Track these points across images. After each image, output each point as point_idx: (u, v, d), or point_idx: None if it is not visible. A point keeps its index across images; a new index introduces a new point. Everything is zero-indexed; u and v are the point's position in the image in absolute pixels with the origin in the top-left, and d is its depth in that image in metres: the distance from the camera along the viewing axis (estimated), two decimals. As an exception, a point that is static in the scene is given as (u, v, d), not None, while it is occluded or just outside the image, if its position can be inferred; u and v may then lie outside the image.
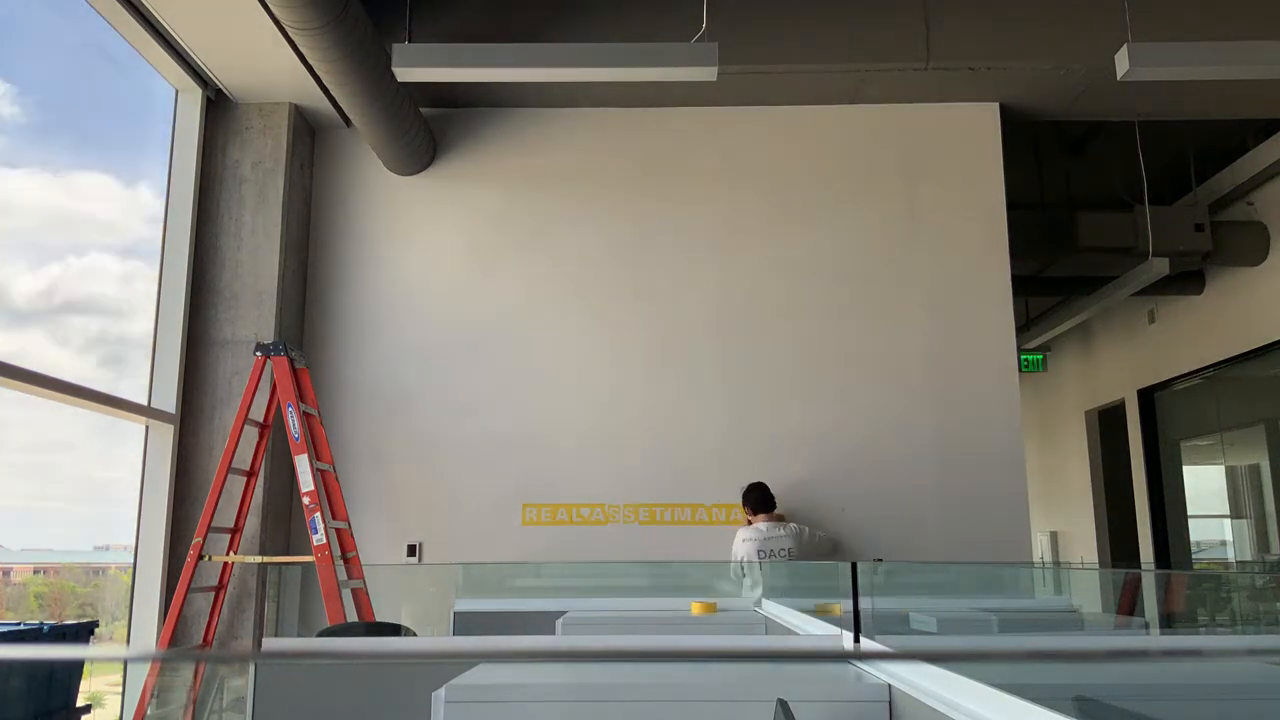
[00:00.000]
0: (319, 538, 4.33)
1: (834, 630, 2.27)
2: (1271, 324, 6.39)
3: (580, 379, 5.15)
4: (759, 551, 4.67)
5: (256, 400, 4.63)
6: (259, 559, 4.60)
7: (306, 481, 4.41)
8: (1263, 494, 7.18)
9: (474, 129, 5.41)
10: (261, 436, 4.71)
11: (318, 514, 4.36)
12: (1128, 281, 6.07)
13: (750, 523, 4.79)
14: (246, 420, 4.56)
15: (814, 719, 1.65)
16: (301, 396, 4.63)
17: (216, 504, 4.46)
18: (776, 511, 4.79)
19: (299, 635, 4.58)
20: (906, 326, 5.16)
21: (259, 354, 4.63)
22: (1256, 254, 6.45)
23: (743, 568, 4.69)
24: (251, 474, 4.68)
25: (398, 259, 5.30)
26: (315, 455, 4.57)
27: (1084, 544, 8.98)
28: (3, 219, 4.03)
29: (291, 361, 4.62)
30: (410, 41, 4.06)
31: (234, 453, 4.53)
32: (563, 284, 5.26)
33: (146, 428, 4.73)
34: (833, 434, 5.09)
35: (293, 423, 4.49)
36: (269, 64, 4.67)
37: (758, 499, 4.80)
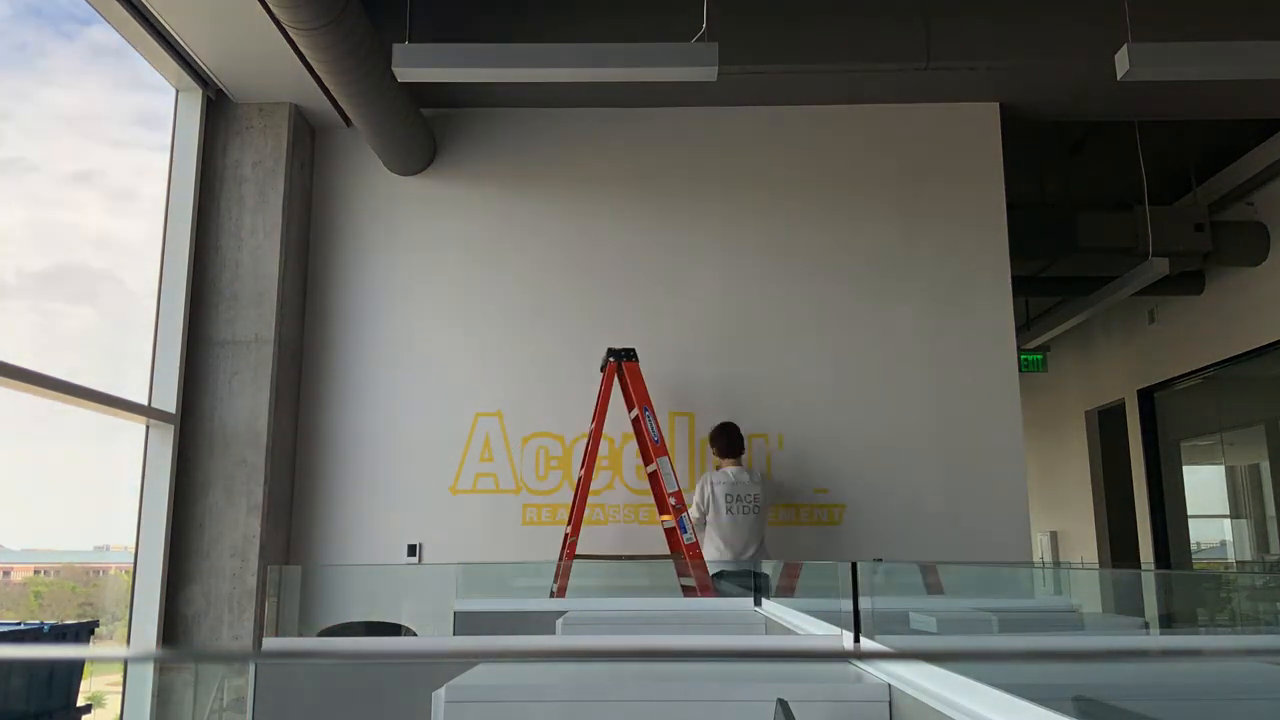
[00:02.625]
0: (688, 537, 4.39)
1: (834, 630, 2.27)
2: (1271, 324, 6.39)
3: (580, 378, 5.14)
4: (727, 497, 4.64)
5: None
6: (621, 557, 4.65)
7: (671, 482, 4.46)
8: (1263, 494, 7.18)
9: (474, 129, 5.41)
10: (589, 440, 4.72)
11: (685, 514, 4.42)
12: (1128, 281, 6.07)
13: (719, 466, 4.73)
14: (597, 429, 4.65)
15: (814, 719, 1.65)
16: (640, 399, 4.65)
17: (583, 511, 4.57)
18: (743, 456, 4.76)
19: (299, 635, 4.59)
20: (906, 326, 5.16)
21: (611, 359, 4.69)
22: (1256, 254, 6.45)
23: (703, 512, 4.66)
24: (587, 476, 4.69)
25: (398, 259, 5.30)
26: (648, 457, 4.63)
27: (1084, 544, 8.98)
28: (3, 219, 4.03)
29: (638, 367, 4.68)
30: (410, 41, 4.06)
31: (595, 459, 4.62)
32: (563, 284, 5.26)
33: (147, 428, 4.73)
34: (833, 434, 5.08)
35: (650, 426, 4.54)
36: (269, 64, 4.67)
37: (728, 441, 4.73)
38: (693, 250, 5.27)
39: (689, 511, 4.55)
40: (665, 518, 4.55)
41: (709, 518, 4.68)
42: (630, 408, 4.75)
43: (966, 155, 5.28)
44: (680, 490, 4.50)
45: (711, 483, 4.69)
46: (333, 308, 5.27)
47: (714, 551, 4.65)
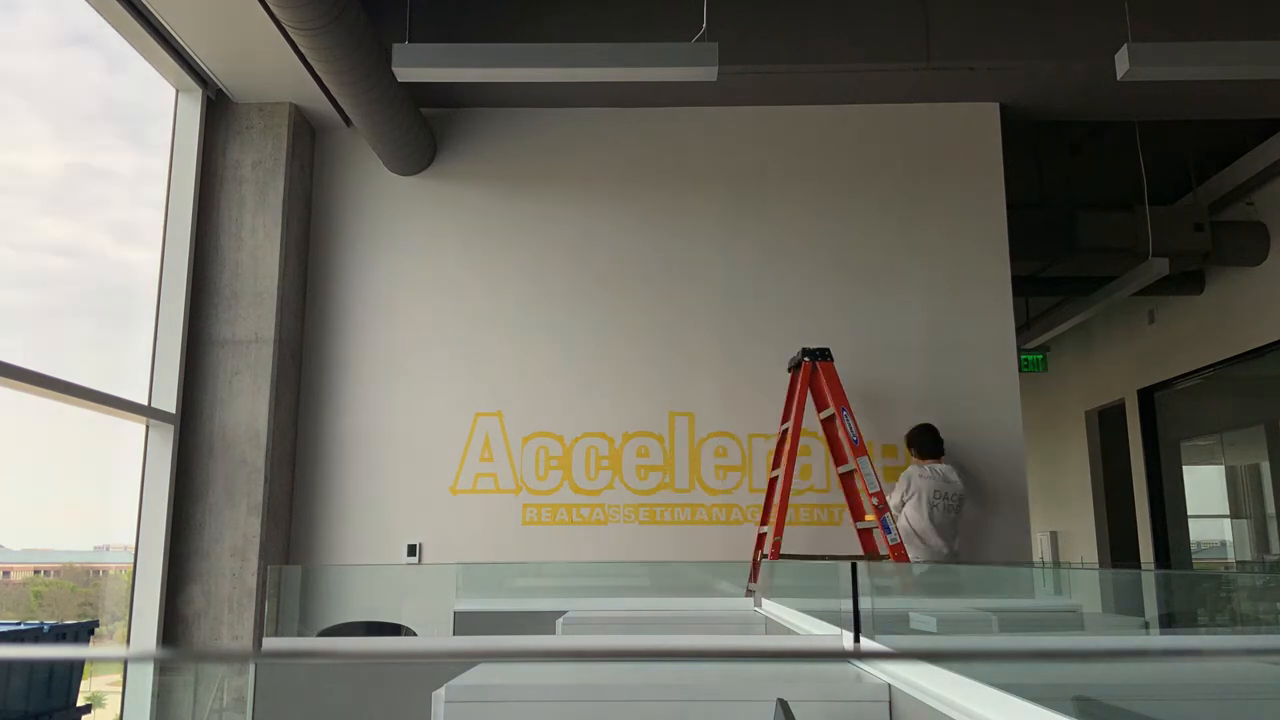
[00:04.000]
0: (893, 537, 4.33)
1: (834, 630, 2.27)
2: (1271, 324, 6.39)
3: (580, 378, 5.14)
4: (935, 493, 4.61)
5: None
6: (815, 557, 4.58)
7: (873, 483, 4.39)
8: (1263, 494, 7.19)
9: (474, 129, 5.41)
10: (785, 439, 4.66)
11: (888, 513, 4.37)
12: (1128, 281, 6.07)
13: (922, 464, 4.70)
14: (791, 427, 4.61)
15: (814, 719, 1.65)
16: (836, 399, 4.61)
17: (785, 513, 4.51)
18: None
19: (299, 635, 4.59)
20: (906, 326, 5.16)
21: (806, 359, 4.65)
22: (1256, 254, 6.45)
23: (905, 513, 4.58)
24: (787, 475, 4.64)
25: (398, 259, 5.30)
26: (838, 458, 4.62)
27: (1084, 544, 8.98)
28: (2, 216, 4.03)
29: (833, 367, 4.65)
30: (410, 41, 4.06)
31: (794, 459, 4.57)
32: (563, 283, 5.26)
33: (146, 428, 4.73)
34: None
35: (849, 426, 4.49)
36: (269, 64, 4.67)
37: (930, 442, 4.72)
38: (692, 250, 5.27)
39: (890, 505, 4.48)
40: (868, 518, 4.47)
41: (911, 516, 4.65)
42: (823, 407, 4.69)
43: (966, 155, 5.28)
44: (880, 490, 4.40)
45: (919, 475, 4.68)
46: (333, 308, 5.27)
47: (915, 548, 4.61)
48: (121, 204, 4.91)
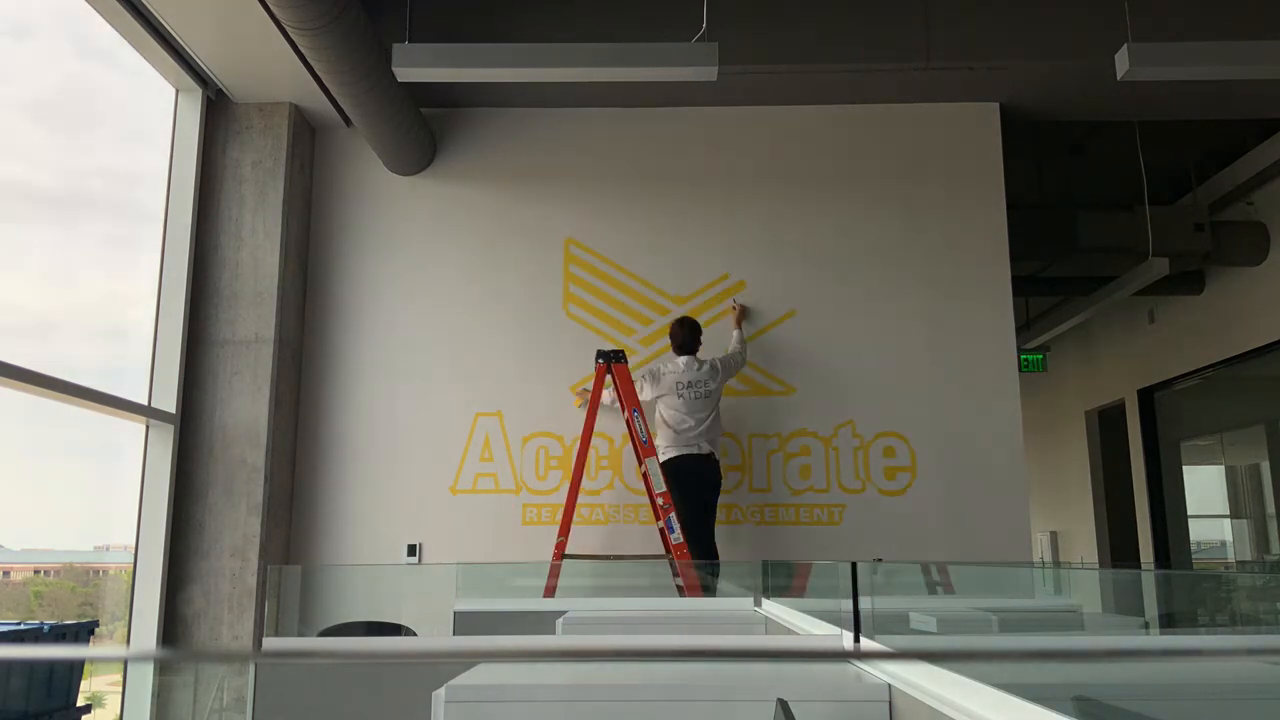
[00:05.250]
0: (675, 536, 4.46)
1: (834, 630, 2.27)
2: (1271, 324, 6.39)
3: (580, 378, 5.14)
4: (678, 384, 4.71)
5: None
6: (610, 557, 4.70)
7: (659, 484, 4.54)
8: (1263, 494, 7.19)
9: (474, 129, 5.41)
10: (588, 442, 4.75)
11: (673, 514, 4.49)
12: (1128, 281, 6.07)
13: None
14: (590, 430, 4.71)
15: (814, 719, 1.65)
16: (629, 401, 4.71)
17: (573, 512, 4.62)
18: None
19: (299, 635, 4.58)
20: (906, 326, 5.16)
21: (601, 361, 4.73)
22: (1256, 254, 6.45)
23: (658, 406, 4.72)
24: (575, 476, 4.74)
25: (398, 259, 5.30)
26: (638, 458, 4.68)
27: (1084, 544, 8.98)
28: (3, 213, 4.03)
29: (627, 369, 4.73)
30: (410, 41, 4.06)
31: (583, 462, 4.67)
32: (563, 283, 5.25)
33: (146, 427, 4.73)
34: (832, 434, 5.08)
35: (639, 427, 4.60)
36: (269, 64, 4.67)
37: (685, 336, 4.81)
38: (692, 249, 5.27)
39: (640, 399, 4.67)
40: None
41: (661, 406, 4.74)
42: (622, 409, 4.76)
43: (966, 155, 5.28)
44: (666, 491, 4.52)
45: (665, 371, 4.76)
46: (333, 308, 5.27)
47: (665, 434, 4.70)
48: (121, 204, 4.91)
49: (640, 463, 4.67)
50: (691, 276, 5.25)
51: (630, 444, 4.80)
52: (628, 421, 4.69)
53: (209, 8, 4.23)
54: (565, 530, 4.62)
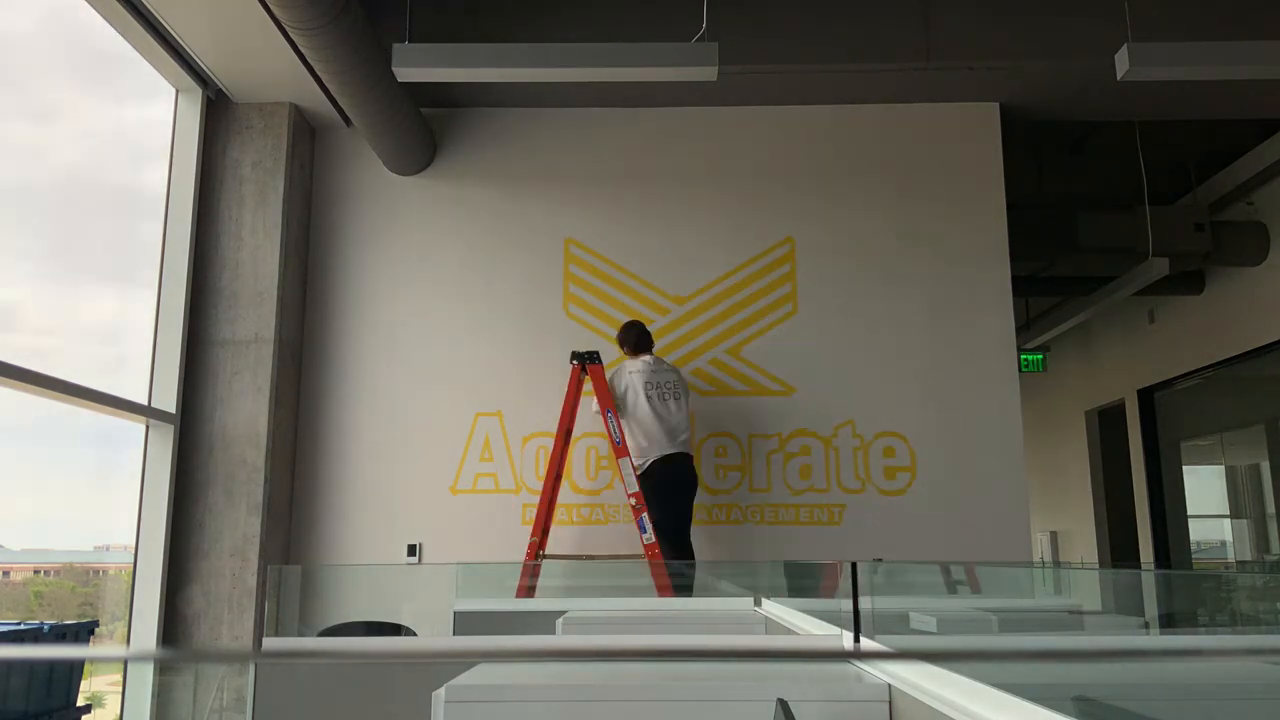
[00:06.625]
0: (647, 537, 4.48)
1: (834, 630, 2.27)
2: (1271, 324, 6.39)
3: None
4: (647, 384, 4.67)
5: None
6: (584, 557, 4.74)
7: (631, 484, 4.55)
8: (1263, 494, 7.19)
9: (474, 129, 5.41)
10: (565, 442, 4.77)
11: (644, 514, 4.51)
12: (1128, 281, 6.07)
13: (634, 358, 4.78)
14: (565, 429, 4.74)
15: (814, 719, 1.65)
16: (602, 401, 4.72)
17: (550, 511, 4.65)
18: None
19: (299, 635, 4.59)
20: (906, 326, 5.16)
21: (575, 362, 4.75)
22: (1256, 254, 6.45)
23: (626, 402, 4.69)
24: (558, 478, 4.75)
25: (398, 259, 5.30)
26: (613, 458, 4.70)
27: (1084, 544, 8.98)
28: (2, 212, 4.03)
29: (602, 370, 4.74)
30: (410, 41, 4.06)
31: (559, 461, 4.70)
32: (563, 283, 5.25)
33: (146, 427, 4.73)
34: (832, 434, 5.08)
35: (613, 428, 4.61)
36: (269, 64, 4.67)
37: (639, 336, 4.79)
38: (691, 250, 5.27)
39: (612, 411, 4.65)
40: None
41: (631, 410, 4.71)
42: (601, 413, 4.73)
43: (966, 155, 5.28)
44: (639, 491, 4.52)
45: (628, 370, 4.73)
46: (333, 308, 5.27)
47: (639, 441, 4.66)
48: (121, 204, 4.91)
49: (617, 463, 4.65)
50: (691, 276, 5.25)
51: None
52: (604, 422, 4.67)
53: (209, 8, 4.23)
54: (538, 530, 4.61)
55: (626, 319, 5.08)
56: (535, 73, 3.95)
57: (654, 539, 4.47)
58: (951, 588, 2.59)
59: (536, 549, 4.60)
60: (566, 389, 4.77)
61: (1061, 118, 5.54)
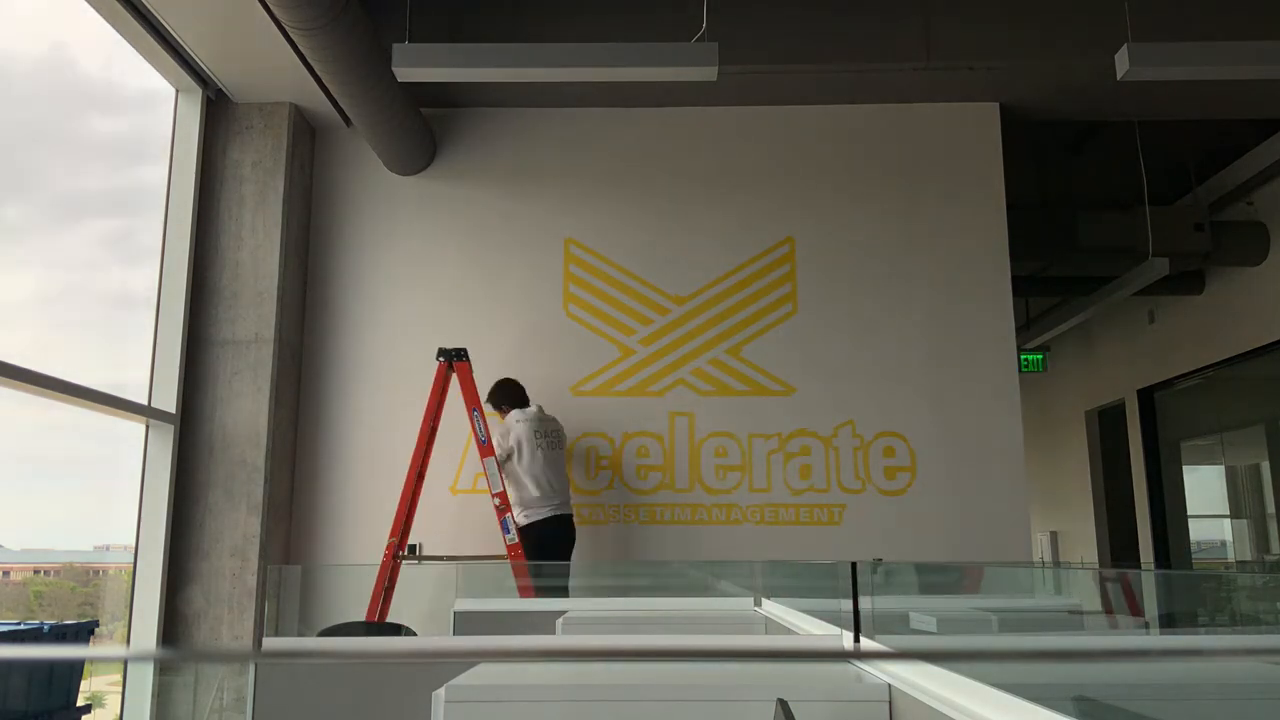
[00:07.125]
0: (510, 537, 4.52)
1: (834, 630, 2.27)
2: (1271, 324, 6.39)
3: (580, 378, 5.14)
4: (536, 434, 4.69)
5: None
6: (452, 558, 4.74)
7: (496, 483, 4.58)
8: (1263, 494, 7.19)
9: (474, 129, 5.41)
10: (430, 440, 4.75)
11: (508, 514, 4.54)
12: (1128, 281, 6.07)
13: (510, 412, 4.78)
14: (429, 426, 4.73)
15: (814, 719, 1.65)
16: (469, 400, 4.73)
17: (409, 509, 4.62)
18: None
19: (299, 635, 4.59)
20: (906, 326, 5.16)
21: (441, 359, 4.75)
22: (1256, 254, 6.45)
23: (519, 453, 4.69)
24: (420, 477, 4.74)
25: (398, 259, 5.30)
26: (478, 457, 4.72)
27: (1084, 544, 8.98)
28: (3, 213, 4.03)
29: (469, 368, 4.74)
30: (410, 41, 4.06)
31: (422, 460, 4.67)
32: (563, 283, 5.25)
33: (146, 427, 4.73)
34: (832, 434, 5.08)
35: (479, 427, 4.63)
36: (269, 64, 4.67)
37: (516, 390, 4.81)
38: (691, 250, 5.27)
39: (495, 457, 4.64)
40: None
41: (517, 461, 4.71)
42: (466, 406, 4.73)
43: (966, 155, 5.28)
44: (504, 491, 4.55)
45: (515, 420, 4.74)
46: (333, 308, 5.27)
47: (530, 493, 4.66)
48: (121, 204, 4.91)
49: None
50: (691, 276, 5.25)
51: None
52: (470, 419, 4.66)
53: (209, 8, 4.23)
54: (397, 530, 4.57)
55: (625, 319, 5.08)
56: (535, 73, 3.95)
57: (516, 539, 4.49)
58: (953, 586, 2.59)
59: (395, 549, 4.56)
60: (431, 387, 4.74)
61: (1061, 118, 5.55)
